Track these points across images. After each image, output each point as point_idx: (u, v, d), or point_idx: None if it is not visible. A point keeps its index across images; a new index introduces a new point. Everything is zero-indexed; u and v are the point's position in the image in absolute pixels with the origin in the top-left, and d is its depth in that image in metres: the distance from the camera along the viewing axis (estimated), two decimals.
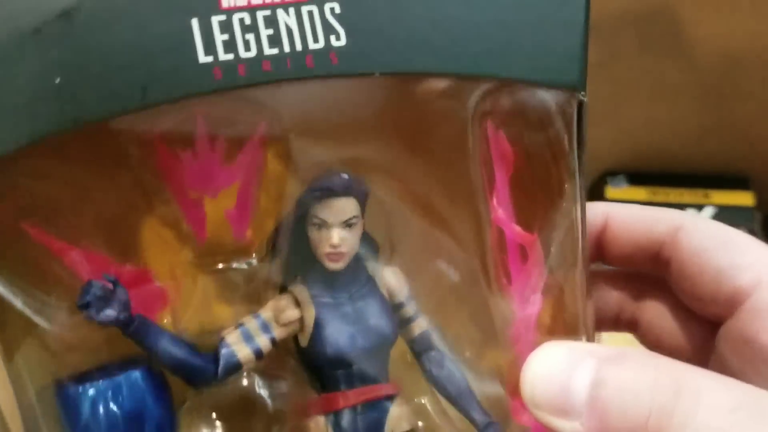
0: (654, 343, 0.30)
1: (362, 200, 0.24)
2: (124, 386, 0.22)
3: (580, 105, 0.23)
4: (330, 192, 0.23)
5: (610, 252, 0.29)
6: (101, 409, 0.22)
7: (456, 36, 0.21)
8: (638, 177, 0.56)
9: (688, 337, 0.29)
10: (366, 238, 0.25)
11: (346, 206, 0.23)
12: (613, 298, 0.30)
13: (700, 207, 0.61)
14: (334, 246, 0.23)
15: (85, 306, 0.22)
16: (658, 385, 0.20)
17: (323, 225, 0.23)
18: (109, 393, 0.22)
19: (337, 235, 0.23)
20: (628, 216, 0.29)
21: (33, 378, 0.23)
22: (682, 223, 0.28)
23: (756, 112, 0.52)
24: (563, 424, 0.21)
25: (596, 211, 0.29)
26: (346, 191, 0.23)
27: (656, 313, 0.29)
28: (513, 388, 0.25)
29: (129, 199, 0.23)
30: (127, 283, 0.22)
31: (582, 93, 0.23)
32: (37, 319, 0.23)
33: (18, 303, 0.22)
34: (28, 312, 0.22)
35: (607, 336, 0.32)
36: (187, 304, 0.24)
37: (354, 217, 0.23)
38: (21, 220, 0.22)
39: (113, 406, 0.22)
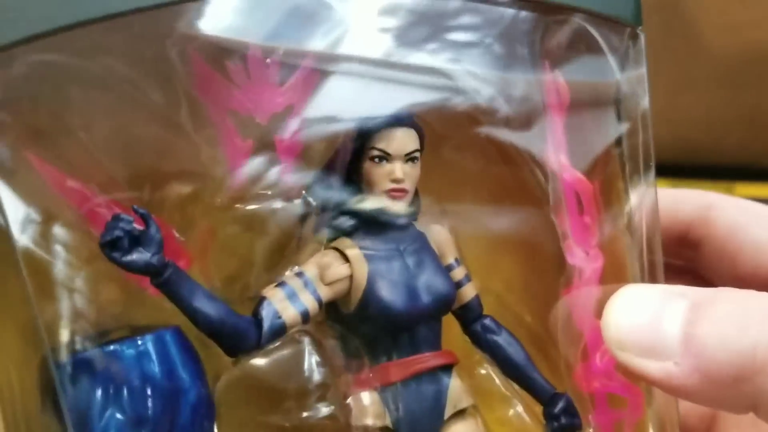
0: None
1: (423, 139, 0.21)
2: (155, 349, 0.18)
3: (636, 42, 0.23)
4: (394, 120, 0.20)
5: None
6: (128, 378, 0.18)
7: None
8: (660, 168, 0.55)
9: None
10: (415, 196, 0.23)
11: (409, 138, 0.21)
12: None
13: None
14: (397, 180, 0.21)
15: (110, 245, 0.18)
16: (765, 314, 0.18)
17: (385, 158, 0.21)
18: (137, 356, 0.18)
19: (401, 168, 0.21)
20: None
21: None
22: (711, 202, 0.27)
23: None
24: (652, 366, 0.19)
25: None
26: (410, 121, 0.21)
27: None
28: (573, 347, 0.23)
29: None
30: None
31: (639, 28, 0.22)
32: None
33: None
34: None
35: None
36: (216, 258, 0.20)
37: (416, 150, 0.21)
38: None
39: (144, 375, 0.18)
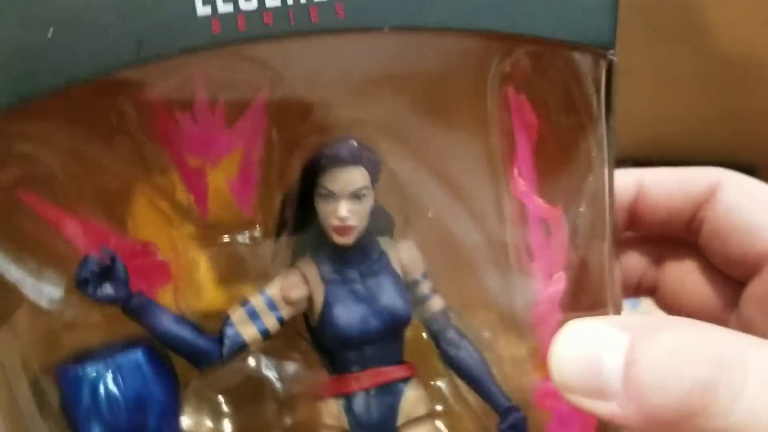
0: (674, 306, 0.29)
1: (373, 171, 0.22)
2: (124, 367, 0.21)
3: (610, 67, 0.21)
4: (337, 160, 0.21)
5: (643, 219, 0.28)
6: (101, 392, 0.21)
7: None
8: (645, 166, 0.54)
9: (709, 300, 0.28)
10: (379, 212, 0.23)
11: (354, 176, 0.22)
12: (635, 262, 0.29)
13: None
14: (341, 219, 0.22)
15: (82, 283, 0.21)
16: (698, 356, 0.18)
17: (330, 196, 0.22)
18: (110, 375, 0.21)
19: (345, 207, 0.22)
20: (663, 179, 0.28)
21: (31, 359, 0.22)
22: (720, 180, 0.27)
23: (763, 101, 0.50)
24: (599, 406, 0.19)
25: (628, 178, 0.28)
26: (354, 160, 0.21)
27: (678, 274, 0.28)
28: (536, 371, 0.24)
29: (129, 168, 0.21)
30: (128, 256, 0.21)
31: (611, 52, 0.21)
32: (35, 297, 0.22)
33: (13, 276, 0.21)
34: (25, 288, 0.22)
35: None
36: (189, 280, 0.23)
37: (363, 188, 0.22)
38: (18, 188, 0.21)
39: (114, 389, 0.21)
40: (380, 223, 0.24)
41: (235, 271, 0.23)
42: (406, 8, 0.19)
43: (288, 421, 0.23)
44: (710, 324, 0.19)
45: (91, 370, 0.21)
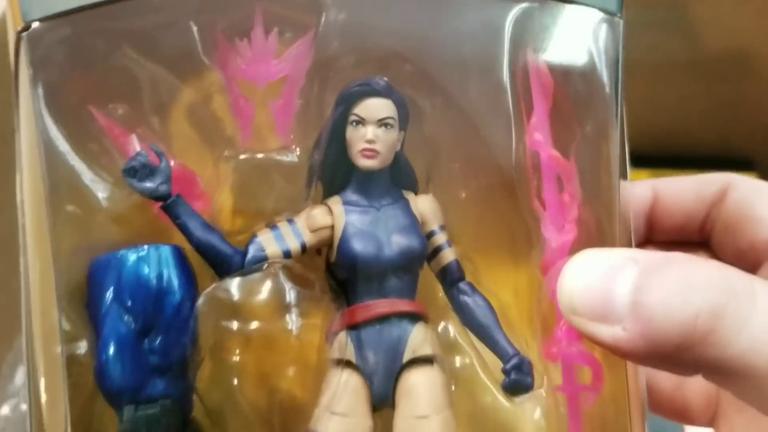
0: None
1: (400, 108, 0.24)
2: (152, 257, 0.23)
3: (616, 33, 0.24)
4: (369, 91, 0.24)
5: (660, 225, 0.30)
6: (127, 276, 0.22)
7: None
8: (641, 159, 0.54)
9: None
10: (406, 166, 0.26)
11: (383, 106, 0.24)
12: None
13: None
14: (369, 141, 0.24)
15: (129, 172, 0.23)
16: (708, 284, 0.19)
17: (360, 122, 0.24)
18: (138, 262, 0.23)
19: (372, 131, 0.24)
20: (677, 185, 0.30)
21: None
22: (731, 181, 0.28)
23: (760, 93, 0.51)
24: (603, 330, 0.20)
25: (643, 188, 0.29)
26: (384, 93, 0.24)
27: None
28: (543, 321, 0.24)
29: (183, 89, 0.24)
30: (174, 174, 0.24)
31: (618, 15, 0.24)
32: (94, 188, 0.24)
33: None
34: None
35: None
36: (224, 202, 0.25)
37: (390, 117, 0.24)
38: (90, 101, 0.24)
39: (139, 275, 0.22)
40: (405, 178, 0.26)
41: (265, 196, 0.25)
42: None
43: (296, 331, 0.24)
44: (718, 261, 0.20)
45: (122, 256, 0.23)
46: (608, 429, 0.24)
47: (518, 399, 0.24)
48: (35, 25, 0.22)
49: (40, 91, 0.22)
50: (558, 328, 0.24)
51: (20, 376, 0.41)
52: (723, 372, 0.19)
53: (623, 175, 0.25)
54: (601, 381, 0.24)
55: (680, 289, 0.19)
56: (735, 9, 0.46)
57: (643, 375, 0.24)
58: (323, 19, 0.24)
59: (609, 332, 0.20)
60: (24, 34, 0.22)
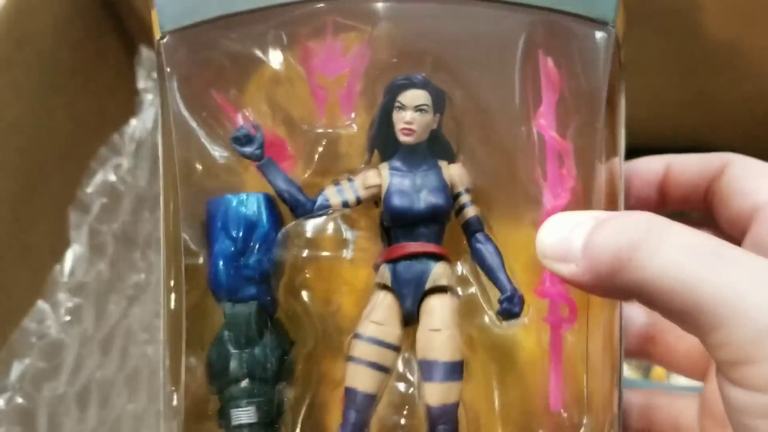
0: None
1: (436, 99, 0.31)
2: (250, 199, 0.32)
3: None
4: (409, 82, 0.31)
5: (670, 195, 0.35)
6: (231, 212, 0.32)
7: None
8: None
9: None
10: (442, 141, 0.33)
11: (419, 95, 0.31)
12: (633, 316, 0.35)
13: None
14: (407, 123, 0.31)
15: (234, 140, 0.32)
16: (633, 225, 0.25)
17: (402, 108, 0.31)
18: (239, 202, 0.32)
19: (410, 115, 0.31)
20: (686, 160, 0.35)
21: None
22: (730, 159, 0.33)
23: (732, 85, 0.52)
24: (563, 267, 0.27)
25: (657, 162, 0.35)
26: (421, 85, 0.31)
27: None
28: (536, 266, 0.31)
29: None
30: (268, 142, 0.32)
31: (611, 25, 0.29)
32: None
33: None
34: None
35: None
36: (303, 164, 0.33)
37: (424, 104, 0.31)
38: (211, 88, 0.33)
39: (239, 211, 0.32)
40: (442, 150, 0.33)
41: (333, 160, 0.33)
42: None
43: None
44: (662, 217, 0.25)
45: (228, 199, 0.32)
46: (578, 357, 0.31)
47: (506, 324, 0.31)
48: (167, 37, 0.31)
49: (175, 83, 0.31)
50: (544, 272, 0.31)
51: (15, 371, 0.44)
52: (644, 293, 0.24)
53: (616, 155, 0.31)
54: (575, 315, 0.30)
55: (613, 232, 0.25)
56: (702, 4, 0.47)
57: (618, 318, 0.31)
58: (376, 28, 0.31)
59: (566, 269, 0.26)
60: (161, 41, 0.31)
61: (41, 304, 0.48)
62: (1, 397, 0.44)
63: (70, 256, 0.50)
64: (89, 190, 0.52)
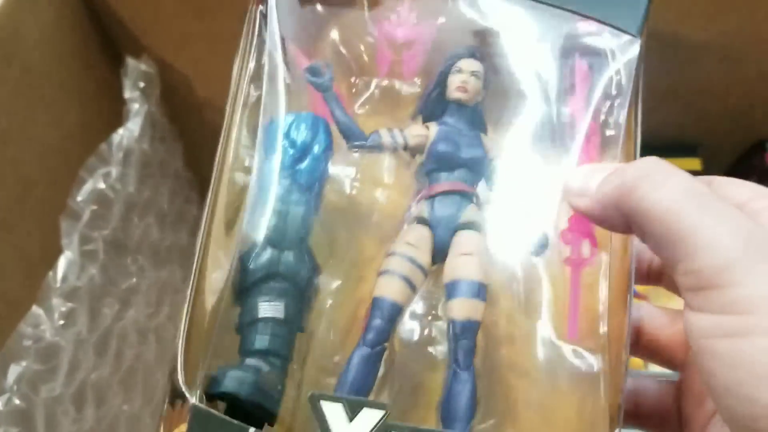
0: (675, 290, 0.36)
1: (486, 73, 0.37)
2: (311, 118, 0.35)
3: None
4: (468, 52, 0.37)
5: None
6: (295, 122, 0.35)
7: None
8: None
9: None
10: (480, 115, 0.37)
11: (475, 64, 0.37)
12: (644, 251, 0.37)
13: None
14: (464, 81, 0.36)
15: (308, 69, 0.36)
16: (641, 165, 0.29)
17: (459, 71, 0.37)
18: (294, 121, 0.35)
19: (466, 77, 0.36)
20: None
21: None
22: (712, 179, 0.33)
23: (701, 81, 0.59)
24: (580, 201, 0.31)
25: None
26: (477, 56, 0.37)
27: None
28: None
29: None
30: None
31: (638, 36, 0.36)
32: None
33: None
34: None
35: None
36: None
37: (478, 71, 0.36)
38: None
39: (299, 123, 0.35)
40: (479, 121, 0.37)
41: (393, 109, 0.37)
42: None
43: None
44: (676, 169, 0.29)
45: (295, 114, 0.35)
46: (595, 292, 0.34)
47: (536, 255, 0.34)
48: None
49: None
50: (571, 219, 0.35)
51: (12, 374, 0.45)
52: (640, 219, 0.27)
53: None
54: (595, 254, 0.34)
55: (622, 172, 0.29)
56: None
57: (632, 256, 0.34)
58: (446, 10, 0.37)
59: (582, 202, 0.31)
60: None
61: (36, 309, 0.48)
62: (0, 398, 0.44)
63: (62, 263, 0.50)
64: (79, 198, 0.53)
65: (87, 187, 0.52)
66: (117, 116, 0.55)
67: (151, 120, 0.58)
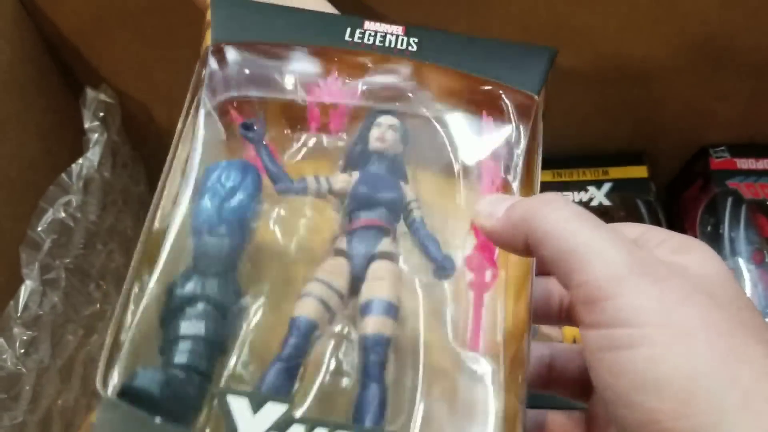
0: None
1: (403, 131, 0.41)
2: (237, 164, 0.38)
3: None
4: (387, 111, 0.41)
5: None
6: (219, 175, 0.37)
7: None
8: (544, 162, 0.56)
9: None
10: (401, 167, 0.41)
11: (393, 119, 0.41)
12: (556, 288, 0.40)
13: (600, 183, 0.69)
14: (382, 133, 0.41)
15: (242, 126, 0.40)
16: (540, 197, 0.33)
17: (378, 125, 0.41)
18: (226, 167, 0.38)
19: (384, 130, 0.41)
20: None
21: None
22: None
23: (643, 93, 0.62)
24: (487, 222, 0.34)
25: None
26: (396, 115, 0.41)
27: None
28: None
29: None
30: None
31: (536, 96, 0.41)
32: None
33: None
34: None
35: None
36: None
37: (394, 125, 0.41)
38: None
39: (224, 175, 0.37)
40: (401, 172, 0.41)
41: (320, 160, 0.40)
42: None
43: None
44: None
45: (224, 162, 0.38)
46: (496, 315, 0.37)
47: (439, 278, 0.37)
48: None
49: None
50: (476, 244, 0.38)
51: None
52: (539, 238, 0.31)
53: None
54: (496, 278, 0.37)
55: (529, 200, 0.33)
56: (605, 21, 0.56)
57: (530, 287, 0.36)
58: (369, 75, 0.42)
59: (489, 222, 0.34)
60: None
61: None
62: None
63: (23, 292, 0.51)
64: (39, 228, 0.54)
65: (47, 217, 0.53)
66: (79, 146, 0.57)
67: (112, 148, 0.60)
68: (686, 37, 0.59)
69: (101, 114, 0.59)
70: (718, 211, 0.64)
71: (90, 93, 0.59)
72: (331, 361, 0.34)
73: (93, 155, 0.58)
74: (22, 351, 0.50)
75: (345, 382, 0.34)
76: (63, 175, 0.56)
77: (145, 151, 0.67)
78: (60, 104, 0.60)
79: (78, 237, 0.56)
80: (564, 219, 0.30)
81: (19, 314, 0.50)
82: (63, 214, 0.55)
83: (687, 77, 0.63)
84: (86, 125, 0.58)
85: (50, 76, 0.59)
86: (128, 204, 0.63)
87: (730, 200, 0.64)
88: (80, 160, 0.57)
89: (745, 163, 0.66)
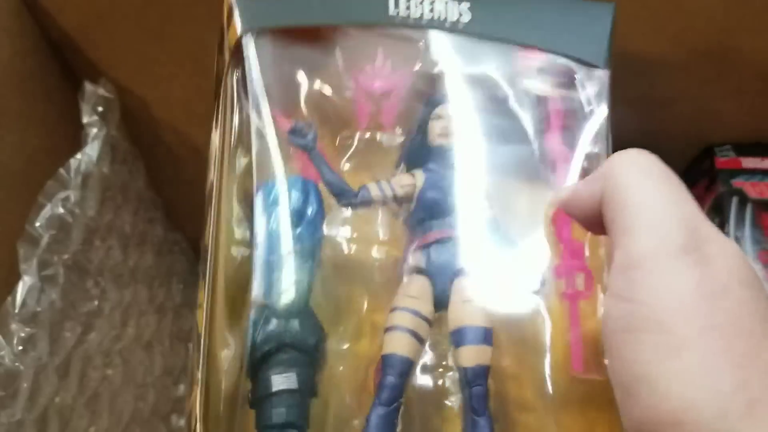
0: None
1: None
2: (297, 183, 0.35)
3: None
4: (446, 97, 0.37)
5: None
6: (281, 197, 0.35)
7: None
8: None
9: None
10: None
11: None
12: None
13: None
14: (444, 127, 0.37)
15: (291, 131, 0.36)
16: (622, 153, 0.29)
17: (439, 117, 0.37)
18: (288, 186, 0.35)
19: (447, 121, 0.37)
20: None
21: None
22: None
23: (647, 91, 0.60)
24: (563, 192, 0.31)
25: None
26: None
27: None
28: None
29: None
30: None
31: (605, 68, 0.38)
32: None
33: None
34: None
35: None
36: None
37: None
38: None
39: (286, 196, 0.35)
40: None
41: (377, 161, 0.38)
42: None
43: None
44: None
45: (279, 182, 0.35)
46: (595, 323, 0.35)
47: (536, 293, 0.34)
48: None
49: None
50: (563, 247, 0.35)
51: None
52: (612, 195, 0.28)
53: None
54: (592, 286, 0.34)
55: (606, 161, 0.30)
56: None
57: None
58: (420, 56, 0.38)
59: (566, 192, 0.31)
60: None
61: None
62: None
63: (21, 288, 0.49)
64: (38, 223, 0.52)
65: (45, 213, 0.52)
66: (77, 141, 0.56)
67: (111, 143, 0.58)
68: (692, 36, 0.58)
69: (100, 109, 0.57)
70: (723, 211, 0.63)
71: (89, 87, 0.57)
72: (431, 398, 0.33)
73: (92, 150, 0.56)
74: (20, 348, 0.48)
75: (449, 418, 0.33)
76: (61, 171, 0.54)
77: (144, 146, 0.66)
78: (61, 100, 0.58)
79: (76, 233, 0.54)
80: (638, 172, 0.28)
81: (17, 310, 0.49)
82: (61, 210, 0.53)
83: (692, 76, 0.63)
84: (85, 120, 0.56)
85: (50, 70, 0.57)
86: (127, 200, 0.61)
87: (735, 199, 0.63)
88: (78, 155, 0.55)
89: (750, 162, 0.64)
